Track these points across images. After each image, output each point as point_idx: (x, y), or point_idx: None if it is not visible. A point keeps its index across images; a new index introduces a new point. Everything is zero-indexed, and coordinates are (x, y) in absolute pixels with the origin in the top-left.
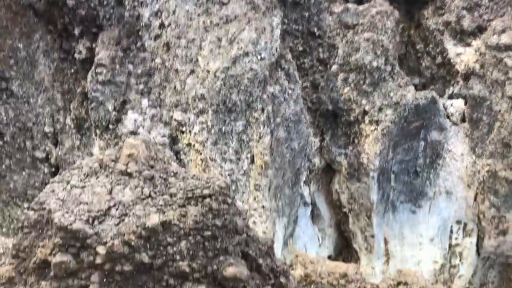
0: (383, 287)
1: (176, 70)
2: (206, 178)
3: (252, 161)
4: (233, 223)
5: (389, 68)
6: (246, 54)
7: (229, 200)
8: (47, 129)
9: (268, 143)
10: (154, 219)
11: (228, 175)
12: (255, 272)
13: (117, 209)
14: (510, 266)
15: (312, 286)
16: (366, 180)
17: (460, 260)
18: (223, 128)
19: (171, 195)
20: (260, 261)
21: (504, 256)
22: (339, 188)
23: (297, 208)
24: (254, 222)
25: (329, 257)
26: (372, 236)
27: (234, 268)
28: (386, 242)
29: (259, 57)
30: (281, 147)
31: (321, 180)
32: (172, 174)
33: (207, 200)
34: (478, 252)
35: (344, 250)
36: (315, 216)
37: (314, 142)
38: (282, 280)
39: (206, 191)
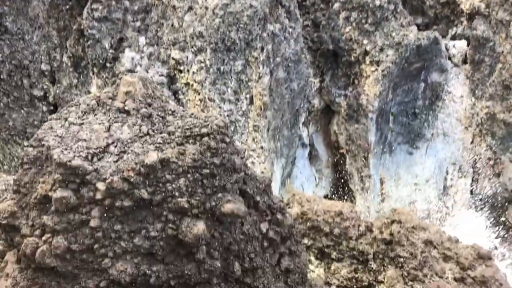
0: (377, 225)
1: (174, 7)
2: (204, 117)
3: (251, 102)
4: (231, 161)
5: (392, 7)
6: None
7: (227, 139)
8: (43, 67)
9: (267, 83)
10: (152, 157)
11: (227, 115)
12: (252, 209)
13: (115, 146)
14: (502, 207)
15: (308, 223)
16: (364, 122)
17: (454, 200)
18: (222, 67)
19: (169, 133)
20: (258, 198)
21: (497, 197)
22: (337, 129)
23: (295, 149)
24: (253, 163)
25: (326, 197)
26: (369, 177)
27: (232, 205)
28: (382, 182)
29: None
30: (280, 88)
31: (320, 121)
32: (170, 112)
33: (205, 138)
34: (472, 193)
35: (341, 190)
36: (312, 157)
37: (314, 83)
38: (279, 216)
39: (204, 130)
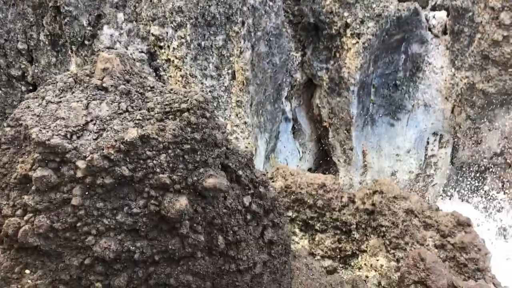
0: (360, 196)
1: None
2: (184, 92)
3: (233, 77)
4: (212, 136)
5: None
6: None
7: (208, 114)
8: (20, 45)
9: (249, 58)
10: (132, 133)
11: (209, 91)
12: (235, 183)
13: (94, 124)
14: (481, 175)
15: (292, 196)
16: (346, 95)
17: (435, 170)
18: (203, 42)
19: (148, 110)
20: (240, 172)
21: (476, 165)
22: (320, 103)
23: (278, 123)
24: (237, 138)
25: (310, 170)
26: (351, 149)
27: (214, 179)
28: (364, 154)
29: None
30: (262, 62)
31: (302, 95)
32: (149, 88)
33: (186, 114)
34: (452, 162)
35: (324, 163)
36: (296, 131)
37: (296, 56)
38: (261, 189)
39: (184, 105)
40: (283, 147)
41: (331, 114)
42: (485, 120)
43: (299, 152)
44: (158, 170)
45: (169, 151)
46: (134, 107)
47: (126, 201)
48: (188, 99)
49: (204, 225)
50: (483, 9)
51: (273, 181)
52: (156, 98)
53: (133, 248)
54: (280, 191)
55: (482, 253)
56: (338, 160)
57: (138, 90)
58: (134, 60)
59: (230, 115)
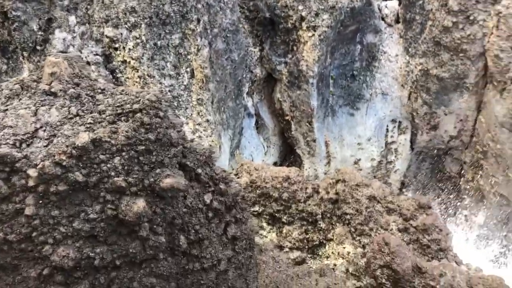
0: (323, 186)
1: None
2: (135, 93)
3: (193, 75)
4: (167, 136)
5: None
6: None
7: (161, 113)
8: None
9: (207, 55)
10: (83, 138)
11: (169, 91)
12: (194, 181)
13: (44, 131)
14: (440, 158)
15: (257, 190)
16: (306, 87)
17: (396, 156)
18: (159, 42)
19: (99, 112)
20: (199, 170)
21: (435, 149)
22: (281, 97)
23: (241, 119)
24: (200, 137)
25: (275, 164)
26: (314, 141)
27: (171, 179)
28: (327, 145)
29: None
30: (220, 59)
31: (263, 90)
32: (99, 91)
33: (138, 114)
34: (412, 147)
35: (289, 156)
36: (259, 126)
37: (254, 52)
38: (222, 186)
39: (136, 106)
40: (247, 143)
41: (292, 108)
42: (441, 104)
43: (263, 147)
44: (112, 173)
45: (123, 153)
46: (85, 111)
47: (82, 207)
48: (140, 99)
49: (165, 226)
50: None
51: (238, 177)
52: (107, 100)
53: (93, 254)
54: (246, 186)
55: (443, 233)
56: (302, 152)
57: (88, 93)
58: (84, 62)
59: (191, 114)
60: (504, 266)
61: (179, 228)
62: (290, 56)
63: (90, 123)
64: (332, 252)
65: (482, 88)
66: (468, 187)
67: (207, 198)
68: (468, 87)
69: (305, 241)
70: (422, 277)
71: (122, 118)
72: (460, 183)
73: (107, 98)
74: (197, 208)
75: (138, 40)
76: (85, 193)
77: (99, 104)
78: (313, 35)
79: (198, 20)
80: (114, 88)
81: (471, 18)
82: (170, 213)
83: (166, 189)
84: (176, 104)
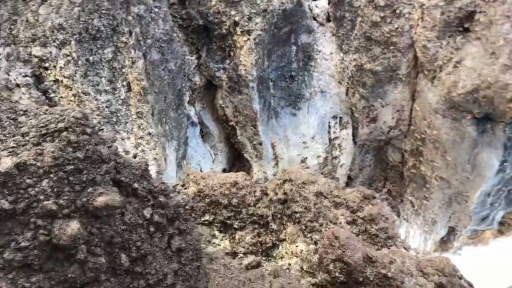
0: (271, 187)
1: (25, 0)
2: (60, 111)
3: (129, 89)
4: (97, 152)
5: None
6: None
7: (89, 130)
8: None
9: (143, 67)
10: (6, 163)
11: (106, 107)
12: (132, 197)
13: None
14: (382, 149)
15: (206, 199)
16: (247, 91)
17: (340, 151)
18: (91, 58)
19: (23, 135)
20: (136, 185)
21: (376, 140)
22: (223, 103)
23: (185, 129)
24: (143, 151)
25: (224, 170)
26: (260, 144)
27: (105, 197)
28: (273, 146)
29: None
30: (157, 70)
31: (205, 98)
32: (21, 112)
33: (64, 133)
34: (354, 141)
35: (237, 162)
36: (204, 134)
37: (191, 60)
38: (161, 199)
39: (61, 125)
40: (194, 152)
41: (235, 113)
42: (377, 97)
43: (211, 155)
44: (41, 197)
45: (51, 175)
46: (7, 135)
47: (11, 236)
48: (65, 118)
49: (103, 246)
50: None
51: (185, 188)
52: (31, 122)
53: (28, 284)
54: (194, 196)
55: (390, 221)
56: (250, 156)
57: (9, 116)
58: (2, 84)
59: (132, 128)
60: (451, 246)
61: (120, 247)
62: (228, 61)
63: (13, 147)
64: (286, 252)
65: (414, 78)
66: (410, 174)
67: (147, 212)
68: (401, 78)
69: (258, 244)
70: (373, 266)
71: (48, 139)
72: (403, 171)
73: (30, 119)
74: (137, 224)
75: (69, 58)
76: (13, 221)
77: (21, 126)
78: (248, 39)
79: (130, 32)
80: (37, 109)
81: (397, 11)
82: (108, 232)
83: (101, 207)
84: (115, 120)
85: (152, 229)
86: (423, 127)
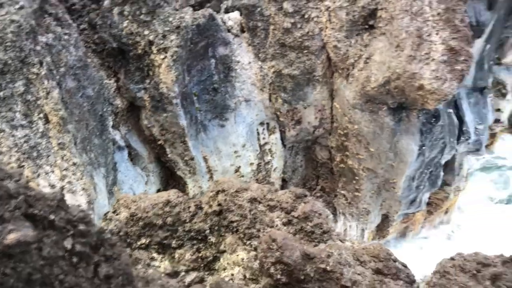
0: (205, 200)
1: None
2: None
3: (47, 120)
4: (3, 188)
5: None
6: (1, 5)
7: None
8: None
9: (58, 96)
10: None
11: (24, 142)
12: (49, 229)
13: None
14: (310, 148)
15: (140, 222)
16: (171, 109)
17: (271, 155)
18: (1, 93)
19: None
20: (52, 216)
21: (303, 141)
22: (148, 123)
23: (112, 154)
24: (70, 182)
25: (159, 191)
26: (192, 159)
27: (16, 233)
28: (206, 160)
29: (16, 6)
30: (75, 98)
31: (129, 120)
32: None
33: None
34: (283, 144)
35: (171, 181)
36: (133, 157)
37: (110, 84)
38: (82, 227)
39: None
40: (124, 177)
41: (162, 131)
42: (299, 100)
43: (142, 177)
44: None
45: None
46: None
47: None
48: None
49: (21, 286)
50: (269, 2)
51: (117, 214)
52: None
53: None
54: (127, 221)
55: (323, 216)
56: (183, 173)
57: None
58: None
59: (55, 161)
60: (387, 232)
61: (40, 283)
62: (147, 81)
63: None
64: (228, 263)
65: (330, 77)
66: (339, 169)
67: (67, 243)
68: (318, 79)
69: (199, 260)
70: (312, 262)
71: None
72: (333, 166)
73: None
74: (57, 257)
75: None
76: None
77: None
78: (165, 57)
79: (41, 63)
80: None
81: (306, 16)
82: (25, 270)
83: (12, 245)
84: (35, 154)
85: (75, 259)
86: (344, 123)
